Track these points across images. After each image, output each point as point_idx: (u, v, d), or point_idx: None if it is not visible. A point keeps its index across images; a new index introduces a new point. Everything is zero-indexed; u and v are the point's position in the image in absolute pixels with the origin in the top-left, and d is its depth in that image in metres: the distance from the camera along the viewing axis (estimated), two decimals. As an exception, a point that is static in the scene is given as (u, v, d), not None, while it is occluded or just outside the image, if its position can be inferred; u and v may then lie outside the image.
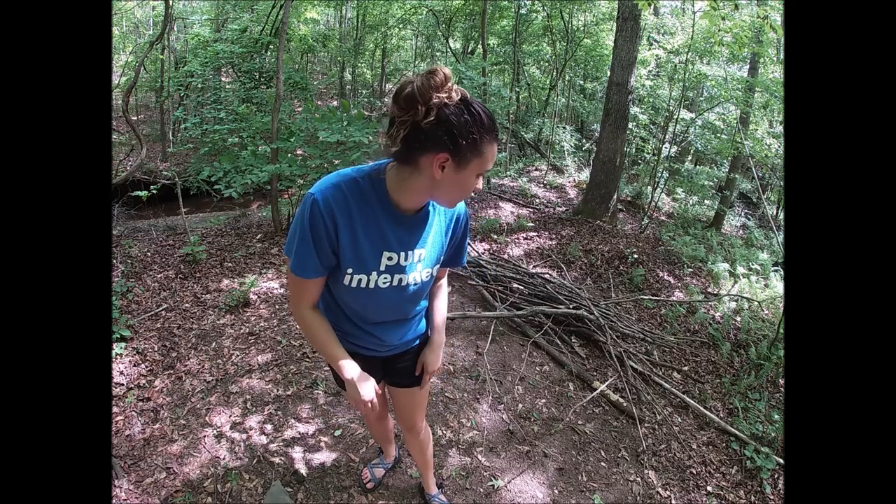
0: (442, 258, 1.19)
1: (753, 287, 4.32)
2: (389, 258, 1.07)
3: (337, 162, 4.05)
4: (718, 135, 6.62)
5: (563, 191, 7.06)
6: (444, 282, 1.35)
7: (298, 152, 4.56)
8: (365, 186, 1.01)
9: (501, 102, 6.97)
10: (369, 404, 1.13)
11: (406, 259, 1.09)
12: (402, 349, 1.33)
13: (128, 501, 1.78)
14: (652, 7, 5.19)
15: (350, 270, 1.05)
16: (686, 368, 3.08)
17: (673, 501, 2.10)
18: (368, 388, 1.12)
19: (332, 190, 0.98)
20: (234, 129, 4.85)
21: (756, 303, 3.92)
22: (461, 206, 1.17)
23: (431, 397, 2.47)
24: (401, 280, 1.11)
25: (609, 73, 5.41)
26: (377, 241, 1.04)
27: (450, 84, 0.88)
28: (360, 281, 1.07)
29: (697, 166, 8.71)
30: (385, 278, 1.09)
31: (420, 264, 1.12)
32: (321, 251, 1.01)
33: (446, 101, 0.87)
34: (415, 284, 1.14)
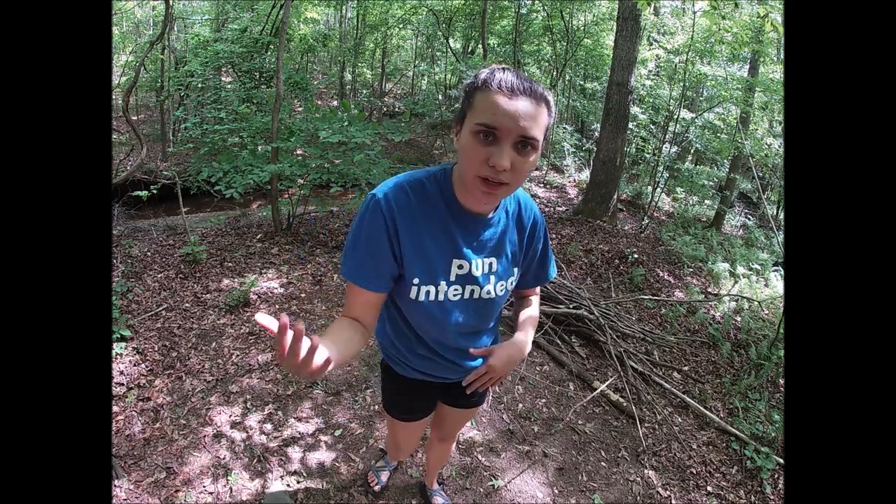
0: (518, 272, 1.07)
1: (753, 287, 4.32)
2: (460, 266, 0.96)
3: (338, 162, 4.05)
4: (718, 135, 6.62)
5: (564, 191, 7.06)
6: (535, 299, 1.19)
7: (299, 152, 4.56)
8: (431, 187, 0.93)
9: (501, 102, 6.96)
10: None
11: (478, 269, 0.98)
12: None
13: (128, 501, 1.78)
14: (652, 7, 5.19)
15: (416, 281, 0.94)
16: (686, 368, 3.08)
17: (673, 501, 2.10)
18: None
19: (395, 190, 0.91)
20: (235, 128, 4.85)
21: (756, 303, 3.92)
22: (533, 209, 1.05)
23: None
24: (473, 292, 1.00)
25: (609, 72, 5.41)
26: (446, 247, 0.95)
27: (489, 68, 0.87)
28: (428, 293, 0.96)
29: (697, 166, 8.71)
30: (456, 290, 0.98)
31: (493, 277, 1.01)
32: (378, 257, 0.91)
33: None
34: (489, 298, 1.02)
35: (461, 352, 1.10)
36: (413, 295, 0.96)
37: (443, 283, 0.96)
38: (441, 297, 0.97)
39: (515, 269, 1.06)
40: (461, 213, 0.94)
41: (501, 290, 1.04)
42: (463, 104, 0.85)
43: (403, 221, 0.90)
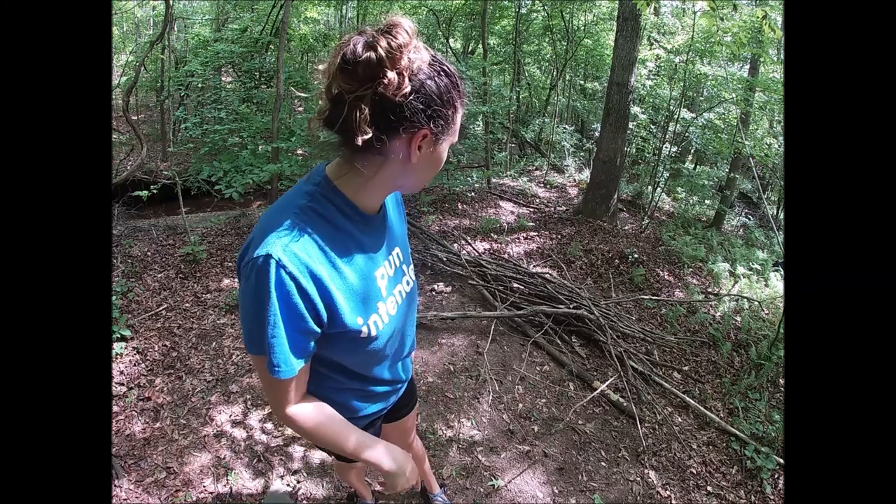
0: None
1: (753, 287, 4.32)
2: (382, 276, 0.86)
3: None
4: (718, 134, 6.62)
5: (564, 191, 7.05)
6: None
7: (299, 152, 4.56)
8: (324, 210, 0.76)
9: (502, 102, 6.96)
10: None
11: (391, 266, 0.89)
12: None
13: (128, 501, 1.78)
14: (652, 7, 5.19)
15: (361, 321, 0.79)
16: (686, 368, 3.08)
17: (673, 501, 2.10)
18: (415, 470, 0.96)
19: (295, 239, 0.71)
20: (235, 128, 4.86)
21: (756, 303, 3.92)
22: None
23: (432, 397, 2.47)
24: (401, 293, 0.92)
25: (609, 72, 5.40)
26: (365, 265, 0.82)
27: (415, 41, 0.67)
28: (376, 324, 0.83)
29: (698, 166, 8.71)
30: (392, 302, 0.88)
31: (405, 265, 0.96)
32: (304, 330, 0.73)
33: (417, 62, 0.67)
34: (411, 289, 0.97)
35: (405, 365, 1.06)
36: (365, 335, 0.81)
37: (381, 303, 0.84)
38: (387, 319, 0.85)
39: (408, 245, 1.01)
40: (363, 218, 0.81)
41: (412, 272, 0.99)
42: (447, 114, 0.72)
43: (322, 269, 0.73)
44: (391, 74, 0.64)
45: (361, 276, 0.80)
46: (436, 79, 0.68)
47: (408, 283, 0.95)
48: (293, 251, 0.69)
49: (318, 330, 0.75)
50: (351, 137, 0.67)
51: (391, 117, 0.67)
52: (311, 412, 0.83)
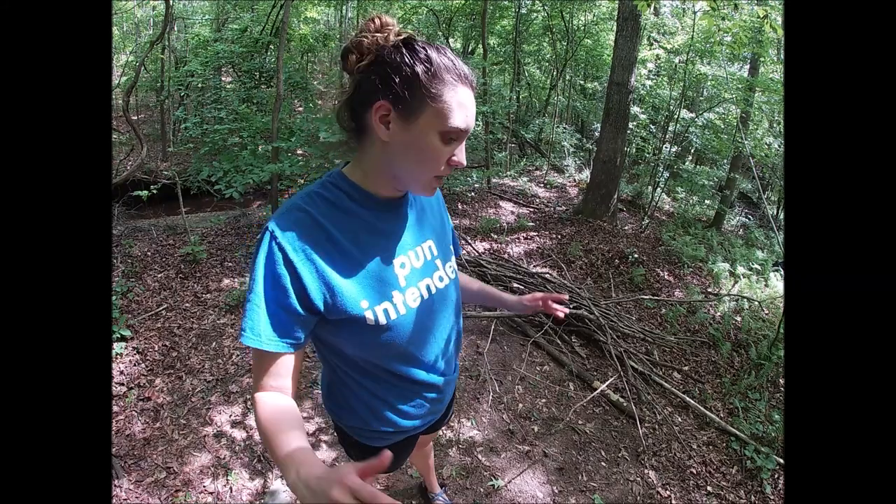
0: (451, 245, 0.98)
1: (753, 287, 4.32)
2: (402, 265, 0.82)
3: (338, 161, 4.05)
4: (719, 134, 6.62)
5: (564, 191, 7.05)
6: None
7: (299, 152, 4.56)
8: (332, 194, 0.78)
9: (502, 102, 6.97)
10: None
11: (418, 258, 0.85)
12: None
13: (128, 501, 1.78)
14: (652, 7, 5.19)
15: (366, 305, 0.76)
16: (686, 368, 3.08)
17: (673, 501, 2.10)
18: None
19: (292, 214, 0.74)
20: (235, 128, 4.85)
21: (756, 303, 3.92)
22: None
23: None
24: (429, 287, 0.86)
25: (609, 72, 5.40)
26: (379, 250, 0.80)
27: (392, 27, 0.71)
28: (387, 312, 0.78)
29: (698, 166, 8.71)
30: (413, 294, 0.83)
31: (439, 260, 0.90)
32: (286, 306, 0.71)
33: (381, 41, 0.70)
34: (445, 285, 0.90)
35: (447, 364, 0.96)
36: (372, 323, 0.77)
37: (396, 292, 0.80)
38: (403, 310, 0.81)
39: (450, 245, 0.97)
40: (376, 202, 0.80)
41: (452, 272, 0.93)
42: (405, 84, 0.69)
43: (315, 245, 0.73)
44: (352, 56, 0.72)
45: (372, 259, 0.78)
46: (397, 55, 0.70)
47: (440, 279, 0.89)
48: (287, 224, 0.72)
49: (303, 312, 0.72)
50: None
51: (357, 93, 0.74)
52: (272, 401, 0.72)
